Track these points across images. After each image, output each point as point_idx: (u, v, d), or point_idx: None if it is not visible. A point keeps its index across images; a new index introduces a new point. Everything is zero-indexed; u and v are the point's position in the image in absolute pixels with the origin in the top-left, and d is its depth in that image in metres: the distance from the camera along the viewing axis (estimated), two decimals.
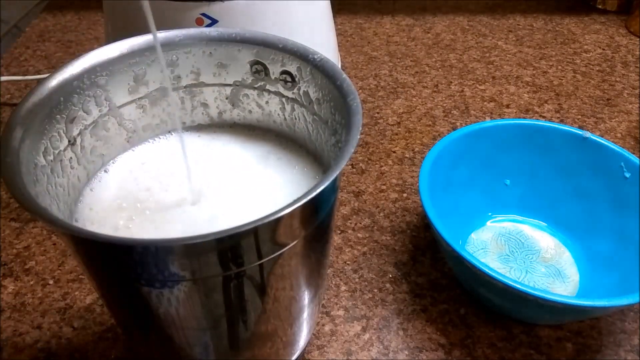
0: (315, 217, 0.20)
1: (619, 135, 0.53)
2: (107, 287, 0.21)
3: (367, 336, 0.35)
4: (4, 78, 0.59)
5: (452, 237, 0.32)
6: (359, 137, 0.19)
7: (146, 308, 0.20)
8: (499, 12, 0.78)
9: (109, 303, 0.23)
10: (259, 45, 0.26)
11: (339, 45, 0.57)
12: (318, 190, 0.17)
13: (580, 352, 0.34)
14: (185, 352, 0.23)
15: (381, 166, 0.49)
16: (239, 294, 0.20)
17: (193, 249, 0.17)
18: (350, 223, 0.43)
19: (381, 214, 0.44)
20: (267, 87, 0.28)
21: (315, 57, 0.25)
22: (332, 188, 0.21)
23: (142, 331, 0.24)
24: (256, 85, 0.29)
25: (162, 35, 0.27)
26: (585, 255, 0.40)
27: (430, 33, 0.72)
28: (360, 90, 0.60)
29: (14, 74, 0.62)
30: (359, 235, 0.42)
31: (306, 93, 0.26)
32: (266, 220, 0.16)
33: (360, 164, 0.50)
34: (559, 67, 0.64)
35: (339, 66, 0.23)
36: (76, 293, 0.38)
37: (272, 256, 0.19)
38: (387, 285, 0.39)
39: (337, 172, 0.18)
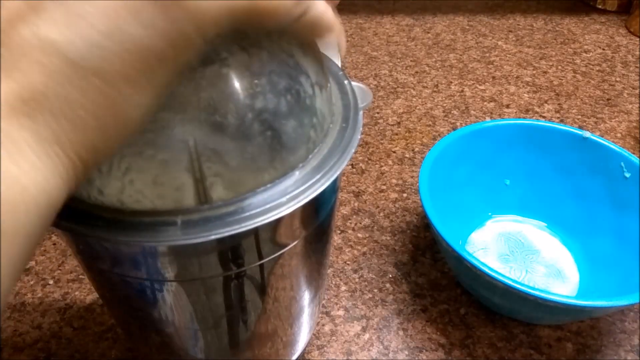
0: (315, 217, 0.20)
1: (619, 135, 0.53)
2: (107, 286, 0.21)
3: (367, 336, 0.35)
4: None
5: (452, 237, 0.32)
6: (359, 137, 0.19)
7: (146, 307, 0.20)
8: (499, 12, 0.78)
9: (109, 303, 0.23)
10: None
11: None
12: (318, 191, 0.17)
13: (580, 352, 0.34)
14: (185, 352, 0.23)
15: (381, 166, 0.49)
16: (240, 294, 0.20)
17: (194, 249, 0.17)
18: (350, 223, 0.43)
19: (381, 214, 0.44)
20: None
21: None
22: (332, 188, 0.21)
23: (142, 331, 0.24)
24: None
25: None
26: (585, 255, 0.40)
27: (430, 33, 0.72)
28: None
29: None
30: (359, 235, 0.42)
31: None
32: (266, 220, 0.16)
33: (360, 164, 0.50)
34: (559, 67, 0.64)
35: (339, 66, 0.23)
36: (76, 293, 0.38)
37: (273, 256, 0.19)
38: (387, 285, 0.39)
39: (338, 173, 0.18)
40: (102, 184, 0.16)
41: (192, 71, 0.15)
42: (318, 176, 0.17)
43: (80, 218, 0.16)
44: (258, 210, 0.16)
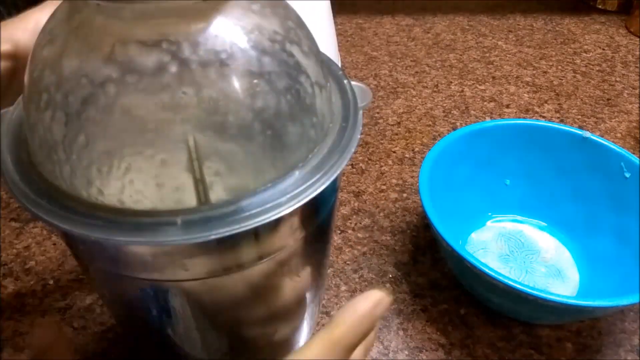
0: (315, 217, 0.20)
1: (619, 135, 0.53)
2: (106, 286, 0.21)
3: None
4: None
5: (452, 237, 0.32)
6: (359, 136, 0.19)
7: (145, 307, 0.20)
8: (499, 12, 0.78)
9: (109, 303, 0.23)
10: None
11: (339, 45, 0.57)
12: (318, 190, 0.17)
13: (580, 352, 0.34)
14: (185, 352, 0.23)
15: (381, 166, 0.49)
16: (240, 294, 0.20)
17: (194, 249, 0.17)
18: (350, 223, 0.43)
19: (381, 214, 0.44)
20: None
21: None
22: (333, 188, 0.21)
23: (142, 331, 0.24)
24: None
25: None
26: (585, 255, 0.40)
27: (430, 33, 0.72)
28: None
29: None
30: (359, 235, 0.42)
31: None
32: (266, 220, 0.16)
33: (360, 164, 0.50)
34: (559, 67, 0.64)
35: (339, 66, 0.23)
36: (76, 293, 0.38)
37: (273, 256, 0.19)
38: (387, 285, 0.39)
39: (338, 172, 0.18)
40: (102, 184, 0.16)
41: (193, 72, 0.15)
42: (318, 176, 0.17)
43: (79, 218, 0.16)
44: (258, 210, 0.16)
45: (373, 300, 0.18)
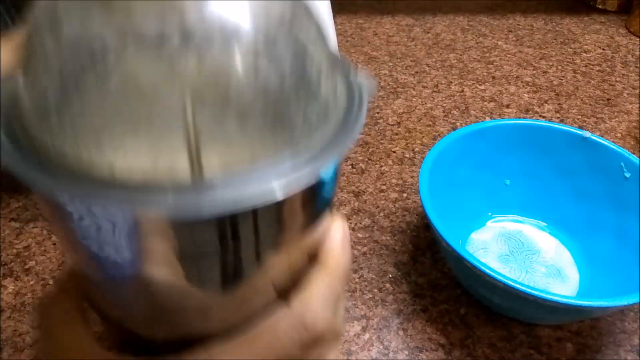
0: (314, 210, 0.20)
1: (619, 135, 0.53)
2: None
3: (367, 336, 0.35)
4: None
5: (452, 237, 0.32)
6: (364, 122, 0.19)
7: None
8: (499, 12, 0.78)
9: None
10: None
11: (339, 45, 0.57)
12: (319, 172, 0.17)
13: (580, 352, 0.34)
14: (180, 348, 0.23)
15: (381, 166, 0.49)
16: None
17: (186, 229, 0.17)
18: (350, 223, 0.43)
19: (381, 214, 0.44)
20: None
21: None
22: (333, 178, 0.21)
23: (138, 330, 0.23)
24: None
25: None
26: (585, 255, 0.40)
27: (430, 33, 0.72)
28: None
29: None
30: (359, 235, 0.42)
31: None
32: (262, 200, 0.16)
33: (360, 164, 0.50)
34: (559, 67, 0.64)
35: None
36: None
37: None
38: (387, 285, 0.39)
39: (340, 156, 0.17)
40: (94, 154, 0.15)
41: (196, 44, 0.15)
42: (319, 159, 0.17)
43: (69, 186, 0.15)
44: (254, 190, 0.16)
45: (339, 225, 0.22)
